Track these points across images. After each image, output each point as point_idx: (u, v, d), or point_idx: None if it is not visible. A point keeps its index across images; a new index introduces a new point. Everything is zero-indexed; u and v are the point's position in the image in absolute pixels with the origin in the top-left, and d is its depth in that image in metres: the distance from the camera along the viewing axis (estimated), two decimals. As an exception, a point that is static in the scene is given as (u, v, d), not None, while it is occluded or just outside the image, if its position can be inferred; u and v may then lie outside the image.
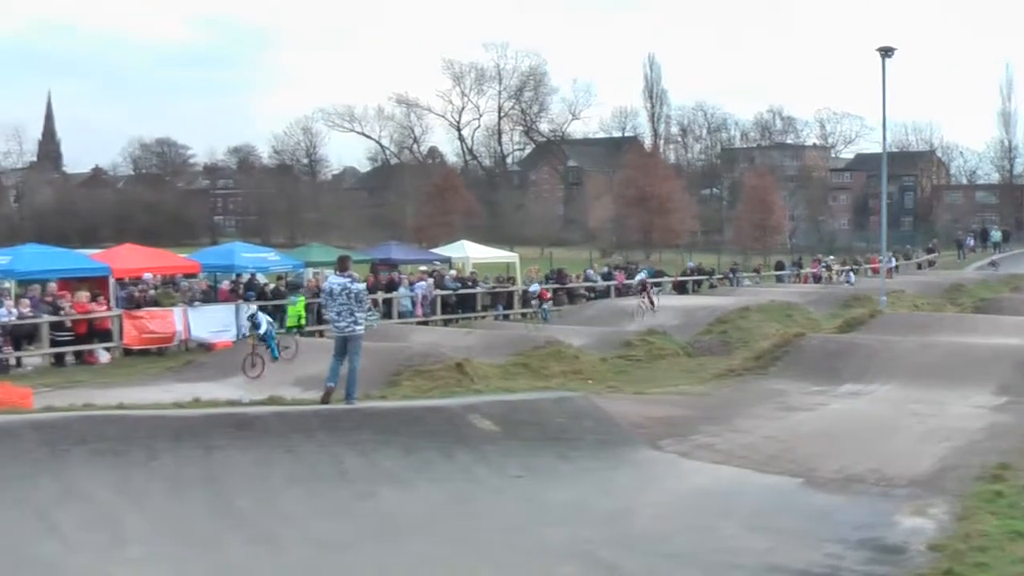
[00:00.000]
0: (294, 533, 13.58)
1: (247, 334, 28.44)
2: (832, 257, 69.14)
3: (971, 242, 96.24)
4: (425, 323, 42.68)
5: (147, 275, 38.01)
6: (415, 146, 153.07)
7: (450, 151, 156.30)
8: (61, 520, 12.77)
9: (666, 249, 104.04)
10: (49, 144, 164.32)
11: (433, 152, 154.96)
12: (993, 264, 79.16)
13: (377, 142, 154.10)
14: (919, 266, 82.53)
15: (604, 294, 53.84)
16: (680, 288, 59.29)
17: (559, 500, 15.48)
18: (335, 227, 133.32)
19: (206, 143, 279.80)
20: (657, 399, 23.45)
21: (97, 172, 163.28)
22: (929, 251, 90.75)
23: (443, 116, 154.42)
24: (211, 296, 38.83)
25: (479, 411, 18.38)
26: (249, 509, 14.07)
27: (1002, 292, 54.58)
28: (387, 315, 42.36)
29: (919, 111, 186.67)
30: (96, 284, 36.73)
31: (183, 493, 14.10)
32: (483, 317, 46.50)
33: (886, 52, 45.81)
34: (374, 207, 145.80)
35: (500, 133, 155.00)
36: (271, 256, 46.73)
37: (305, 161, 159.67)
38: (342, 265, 19.97)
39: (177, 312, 35.80)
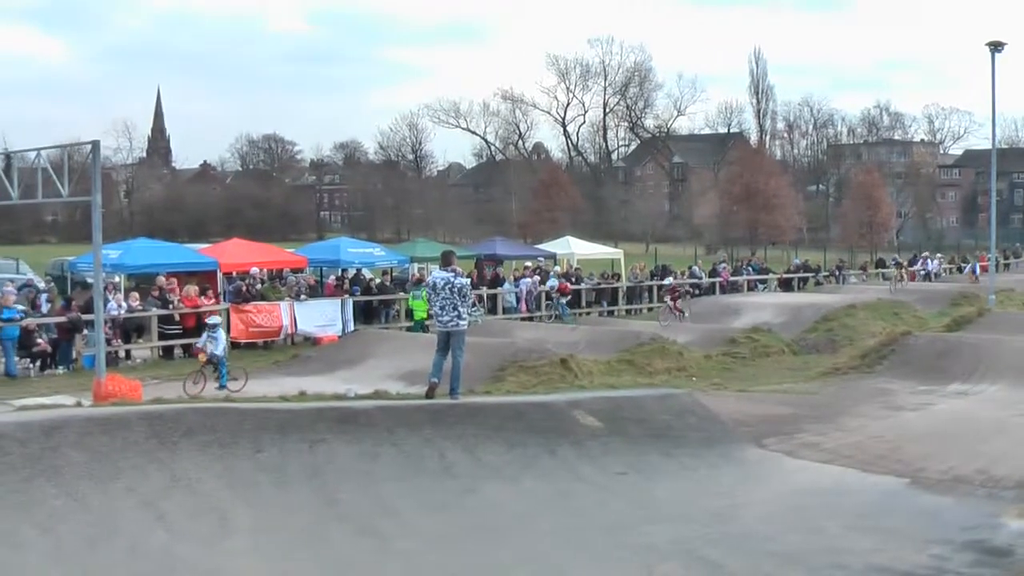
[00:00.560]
0: (397, 527, 13.67)
1: (201, 346, 26.82)
2: (897, 256, 68.19)
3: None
4: (530, 319, 42.74)
5: (254, 269, 38.40)
6: (520, 142, 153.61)
7: (555, 147, 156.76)
8: (169, 510, 12.94)
9: (771, 246, 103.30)
10: (159, 140, 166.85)
11: (538, 148, 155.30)
12: None
13: (482, 138, 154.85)
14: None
15: (709, 291, 53.57)
16: (785, 285, 58.89)
17: (662, 497, 15.46)
18: (440, 223, 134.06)
19: (313, 139, 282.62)
20: (762, 397, 23.34)
21: (205, 168, 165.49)
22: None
23: (548, 112, 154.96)
24: (317, 291, 39.15)
25: (583, 407, 18.38)
26: (353, 502, 14.17)
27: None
28: (492, 311, 42.48)
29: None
30: (204, 278, 37.20)
31: (288, 485, 14.24)
32: (587, 313, 46.48)
33: (996, 47, 45.19)
34: (479, 203, 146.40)
35: (605, 129, 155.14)
36: (377, 251, 47.06)
37: (411, 157, 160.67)
38: (446, 260, 19.83)
39: (284, 306, 36.15)
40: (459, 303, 18.89)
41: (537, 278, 45.57)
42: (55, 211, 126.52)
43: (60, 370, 29.87)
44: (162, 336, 32.98)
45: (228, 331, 34.06)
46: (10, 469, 12.47)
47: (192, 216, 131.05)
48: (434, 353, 19.25)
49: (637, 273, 51.70)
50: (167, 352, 33.13)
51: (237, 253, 41.76)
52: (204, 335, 26.68)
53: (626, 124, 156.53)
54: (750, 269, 60.15)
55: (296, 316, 36.40)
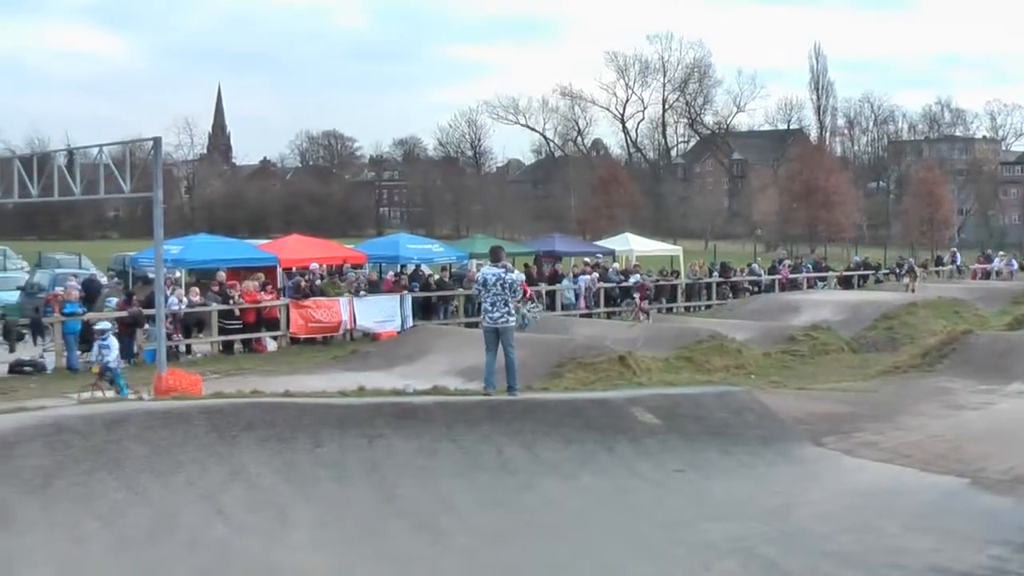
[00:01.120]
0: (455, 522, 13.72)
1: (93, 361, 25.09)
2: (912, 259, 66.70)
3: None
4: (588, 315, 42.69)
5: (314, 265, 38.59)
6: (579, 138, 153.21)
7: (614, 143, 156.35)
8: (228, 503, 13.04)
9: (831, 243, 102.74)
10: (219, 137, 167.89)
11: (597, 144, 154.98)
12: None
13: (541, 134, 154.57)
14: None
15: (768, 288, 53.33)
16: (845, 283, 58.57)
17: (720, 495, 15.44)
18: (499, 219, 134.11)
19: (372, 135, 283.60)
20: (820, 395, 23.23)
21: (265, 164, 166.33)
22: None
23: (607, 108, 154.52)
24: (376, 286, 39.28)
25: (641, 404, 18.38)
26: (411, 498, 14.23)
27: None
28: (550, 307, 42.49)
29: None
30: (264, 274, 37.43)
31: (347, 480, 14.31)
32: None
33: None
34: (538, 199, 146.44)
35: (664, 125, 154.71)
36: (435, 247, 47.27)
37: (470, 153, 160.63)
38: (495, 256, 19.69)
39: (343, 302, 36.30)
40: (510, 299, 18.88)
41: (596, 275, 45.54)
42: (117, 207, 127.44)
43: (121, 364, 30.10)
44: (222, 331, 33.24)
45: (288, 326, 34.31)
46: (72, 462, 12.61)
47: (252, 212, 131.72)
48: (484, 354, 19.19)
49: (696, 270, 51.54)
50: (227, 347, 33.39)
51: (297, 249, 42.03)
52: (95, 345, 25.07)
53: (685, 120, 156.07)
54: (809, 267, 59.82)
55: (355, 312, 36.54)
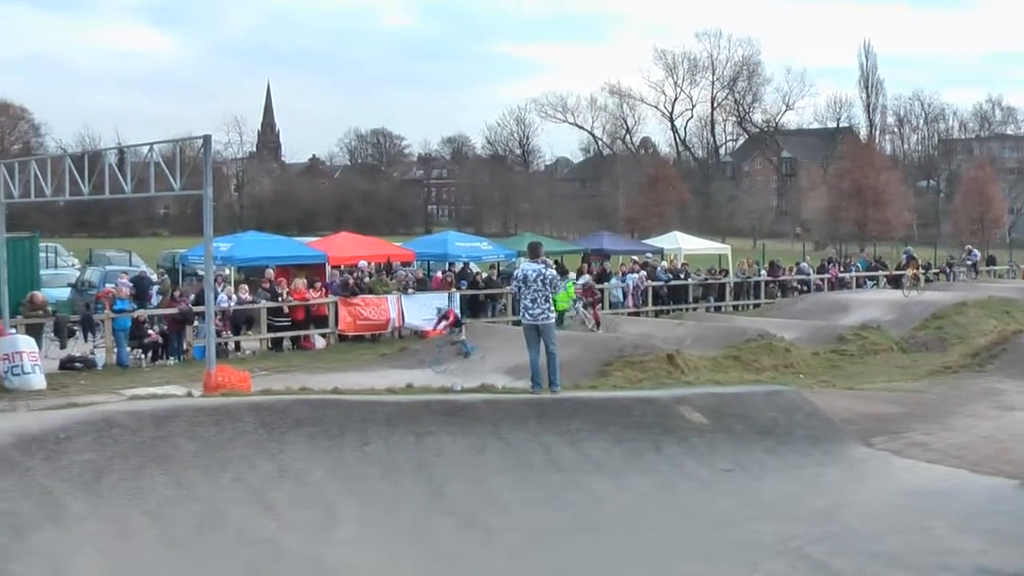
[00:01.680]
0: (503, 520, 13.74)
1: None
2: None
3: None
4: (636, 314, 42.64)
5: (362, 263, 38.69)
6: (627, 137, 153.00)
7: (662, 141, 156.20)
8: (276, 500, 13.11)
9: (880, 242, 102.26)
10: (268, 135, 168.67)
11: (645, 143, 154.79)
12: None
13: (590, 132, 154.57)
14: None
15: (817, 287, 53.09)
16: (895, 282, 58.20)
17: (768, 495, 15.39)
18: (547, 217, 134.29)
19: (420, 133, 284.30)
20: (869, 395, 23.08)
21: (314, 162, 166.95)
22: None
23: (656, 107, 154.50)
24: (425, 284, 39.33)
25: (689, 403, 18.32)
26: (458, 495, 14.26)
27: None
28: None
29: None
30: (313, 271, 37.58)
31: (394, 477, 14.35)
32: (694, 309, 46.35)
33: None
34: (586, 197, 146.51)
35: (713, 124, 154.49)
36: (484, 245, 47.30)
37: (518, 151, 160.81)
38: (534, 252, 19.56)
39: (391, 299, 36.38)
40: (550, 295, 18.82)
41: (643, 273, 45.49)
42: (167, 204, 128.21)
43: (171, 361, 30.33)
44: (271, 328, 33.38)
45: (337, 323, 34.41)
46: (122, 457, 12.70)
47: (301, 210, 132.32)
48: (528, 352, 19.17)
49: (744, 269, 51.39)
50: (276, 344, 33.53)
51: (345, 246, 42.20)
52: None
53: (734, 119, 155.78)
54: (859, 266, 59.51)
55: (403, 309, 36.61)
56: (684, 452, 16.71)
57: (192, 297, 31.54)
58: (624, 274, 45.39)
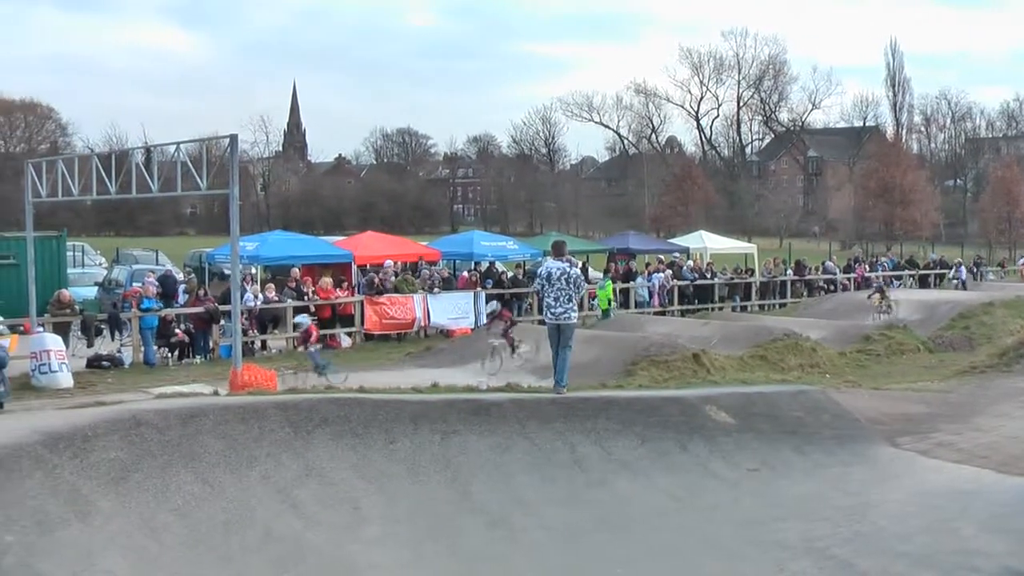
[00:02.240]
0: (528, 519, 13.77)
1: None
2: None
3: None
4: (662, 313, 42.59)
5: (388, 262, 38.73)
6: (653, 136, 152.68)
7: (688, 141, 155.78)
8: (303, 498, 13.16)
9: (907, 241, 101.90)
10: (294, 134, 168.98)
11: (671, 142, 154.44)
12: None
13: (615, 132, 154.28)
14: None
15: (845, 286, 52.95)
16: (921, 282, 58.04)
17: (794, 495, 15.37)
18: (573, 216, 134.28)
19: (446, 133, 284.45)
20: (896, 395, 23.00)
21: (340, 161, 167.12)
22: None
23: (681, 106, 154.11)
24: (451, 283, 39.34)
25: (715, 403, 18.32)
26: (484, 494, 14.29)
27: None
28: (624, 304, 42.46)
29: None
30: (339, 270, 37.63)
31: (420, 476, 14.39)
32: (720, 308, 46.26)
33: None
34: (612, 197, 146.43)
35: (739, 123, 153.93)
36: (510, 245, 47.22)
37: (544, 151, 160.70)
38: (558, 250, 19.39)
39: (417, 299, 36.41)
40: (574, 294, 18.69)
41: (669, 272, 45.43)
42: (194, 204, 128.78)
43: (197, 359, 30.41)
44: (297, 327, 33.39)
45: (363, 322, 34.44)
46: (149, 455, 12.75)
47: (327, 209, 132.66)
48: (551, 351, 19.08)
49: (771, 268, 51.29)
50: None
51: (371, 246, 42.22)
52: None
53: (760, 118, 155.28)
54: (885, 264, 59.34)
55: (429, 308, 36.64)
56: (710, 452, 16.71)
57: (219, 296, 31.64)
58: (650, 273, 45.30)
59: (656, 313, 42.18)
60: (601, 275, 46.01)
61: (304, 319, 27.76)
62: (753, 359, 29.19)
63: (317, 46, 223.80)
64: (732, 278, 48.81)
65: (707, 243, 57.04)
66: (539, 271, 20.61)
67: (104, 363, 28.53)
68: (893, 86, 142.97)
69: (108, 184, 25.66)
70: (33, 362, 25.19)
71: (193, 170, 24.38)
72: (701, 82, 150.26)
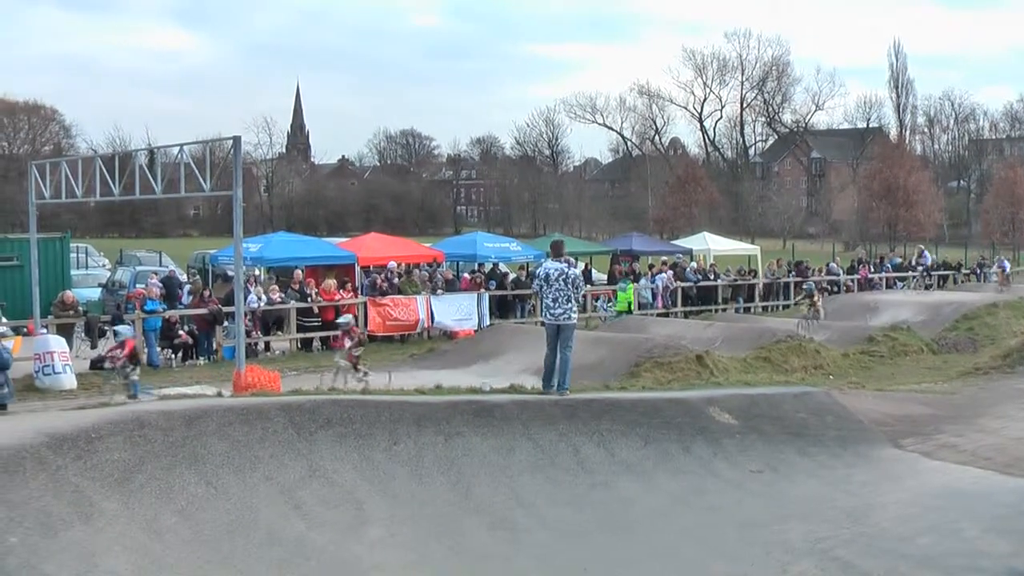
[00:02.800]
0: (531, 520, 13.78)
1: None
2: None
3: None
4: (666, 315, 42.56)
5: (391, 263, 38.72)
6: (656, 137, 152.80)
7: (692, 142, 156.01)
8: (306, 499, 13.16)
9: (911, 242, 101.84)
10: (298, 135, 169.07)
11: (675, 143, 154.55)
12: None
13: (619, 133, 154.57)
14: None
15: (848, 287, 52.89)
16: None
17: (798, 496, 15.37)
18: (577, 218, 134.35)
19: (449, 134, 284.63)
20: (900, 396, 23.01)
21: (344, 163, 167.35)
22: None
23: (685, 107, 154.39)
24: (454, 285, 39.33)
25: (719, 404, 18.33)
26: (488, 495, 14.30)
27: None
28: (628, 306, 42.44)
29: None
30: (343, 272, 37.62)
31: (424, 478, 14.39)
32: (724, 310, 46.23)
33: None
34: (615, 198, 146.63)
35: (742, 124, 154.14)
36: (513, 246, 47.18)
37: (547, 152, 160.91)
38: (556, 250, 19.41)
39: (420, 300, 36.41)
40: (573, 295, 18.62)
41: (671, 273, 45.40)
42: (197, 205, 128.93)
43: (201, 361, 30.43)
44: (301, 328, 33.41)
45: (366, 324, 34.45)
46: (152, 457, 12.75)
47: (331, 210, 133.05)
48: (545, 351, 18.98)
49: (774, 269, 51.27)
50: (306, 344, 33.55)
51: (375, 247, 42.21)
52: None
53: (763, 119, 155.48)
54: (888, 266, 59.26)
55: (433, 310, 36.65)
56: (713, 453, 16.73)
57: (222, 297, 31.66)
58: (653, 275, 45.28)
59: (659, 315, 42.13)
60: (605, 277, 46.15)
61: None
62: (757, 360, 29.18)
63: (320, 47, 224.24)
64: (735, 279, 48.77)
65: (710, 245, 56.96)
66: (537, 272, 20.58)
67: (108, 364, 28.52)
68: (896, 87, 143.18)
69: (111, 185, 25.68)
70: (37, 363, 25.22)
71: (197, 171, 24.40)
72: (704, 83, 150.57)
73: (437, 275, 38.90)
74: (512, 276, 42.47)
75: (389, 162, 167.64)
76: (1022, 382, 25.12)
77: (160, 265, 50.80)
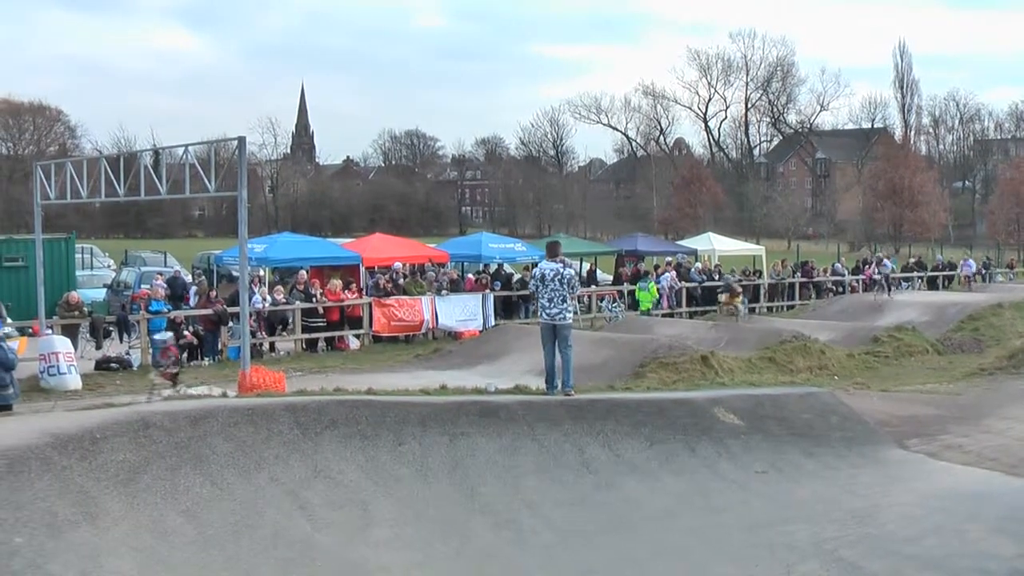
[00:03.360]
0: (536, 520, 13.77)
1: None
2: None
3: None
4: (670, 315, 42.54)
5: (396, 264, 38.74)
6: (661, 138, 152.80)
7: (696, 143, 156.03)
8: (311, 500, 13.15)
9: (916, 243, 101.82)
10: (303, 136, 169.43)
11: (679, 143, 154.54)
12: None
13: (624, 134, 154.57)
14: None
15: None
16: (930, 283, 57.94)
17: (803, 497, 15.35)
18: (581, 218, 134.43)
19: (454, 135, 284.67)
20: (905, 397, 23.00)
21: (348, 163, 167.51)
22: None
23: (690, 108, 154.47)
24: (459, 285, 39.34)
25: (724, 405, 18.31)
26: (493, 495, 14.29)
27: None
28: (632, 307, 42.40)
29: None
30: (347, 272, 37.64)
31: (429, 478, 14.38)
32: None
33: None
34: (620, 198, 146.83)
35: (747, 124, 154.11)
36: (518, 247, 47.19)
37: (552, 153, 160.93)
38: (552, 251, 19.49)
39: (425, 301, 36.41)
40: (568, 295, 18.68)
41: (674, 273, 45.37)
42: (202, 206, 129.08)
43: (206, 361, 30.42)
44: (306, 329, 33.41)
45: (371, 324, 34.46)
46: (157, 457, 12.74)
47: (335, 211, 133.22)
48: (543, 352, 18.93)
49: (779, 270, 51.23)
50: (311, 345, 33.56)
51: (380, 248, 42.27)
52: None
53: (768, 119, 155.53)
54: (887, 264, 59.13)
55: (437, 310, 36.65)
56: (718, 454, 16.71)
57: (227, 297, 31.67)
58: (658, 275, 45.26)
59: (664, 315, 42.12)
60: (610, 278, 46.16)
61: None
62: (761, 361, 29.17)
63: (325, 48, 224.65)
64: (740, 280, 48.73)
65: (715, 245, 56.95)
66: (533, 272, 20.68)
67: (113, 365, 28.56)
68: (901, 88, 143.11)
69: (116, 186, 25.71)
70: (42, 364, 25.24)
71: (201, 172, 24.41)
72: (709, 84, 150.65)
73: (442, 276, 38.91)
74: (517, 277, 42.45)
75: (394, 163, 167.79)
76: (1028, 383, 25.10)
77: (165, 266, 50.84)
